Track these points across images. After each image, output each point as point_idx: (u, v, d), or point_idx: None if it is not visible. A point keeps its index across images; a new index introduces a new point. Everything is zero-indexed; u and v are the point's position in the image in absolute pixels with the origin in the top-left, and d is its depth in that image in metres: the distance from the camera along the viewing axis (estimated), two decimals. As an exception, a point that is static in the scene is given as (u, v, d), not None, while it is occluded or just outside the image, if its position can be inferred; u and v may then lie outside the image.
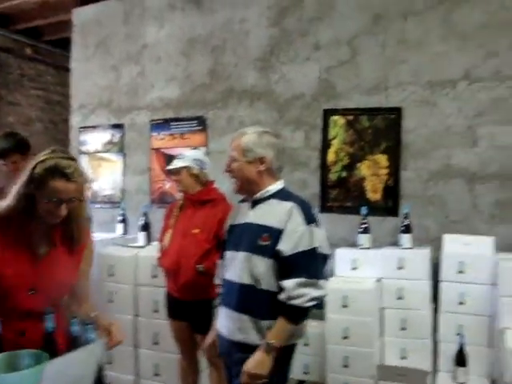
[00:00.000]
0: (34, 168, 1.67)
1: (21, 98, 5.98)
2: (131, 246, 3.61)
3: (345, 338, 2.94)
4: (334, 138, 3.49)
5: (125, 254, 3.47)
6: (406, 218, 3.12)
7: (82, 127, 4.53)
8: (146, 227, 3.68)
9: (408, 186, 3.30)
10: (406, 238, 3.09)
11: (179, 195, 2.99)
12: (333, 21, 3.50)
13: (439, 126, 3.22)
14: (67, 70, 4.77)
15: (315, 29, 3.55)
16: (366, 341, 2.93)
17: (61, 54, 5.97)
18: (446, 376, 2.87)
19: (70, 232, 1.79)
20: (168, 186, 4.04)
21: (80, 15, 4.55)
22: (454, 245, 2.96)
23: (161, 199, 4.10)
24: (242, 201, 2.17)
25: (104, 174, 4.41)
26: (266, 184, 2.04)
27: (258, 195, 2.05)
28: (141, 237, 3.67)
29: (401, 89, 3.31)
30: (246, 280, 1.97)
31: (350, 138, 3.44)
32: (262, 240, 1.95)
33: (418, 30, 3.28)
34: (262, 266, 1.95)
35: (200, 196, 2.85)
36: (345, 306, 2.94)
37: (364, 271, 3.09)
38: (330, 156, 3.49)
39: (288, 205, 1.97)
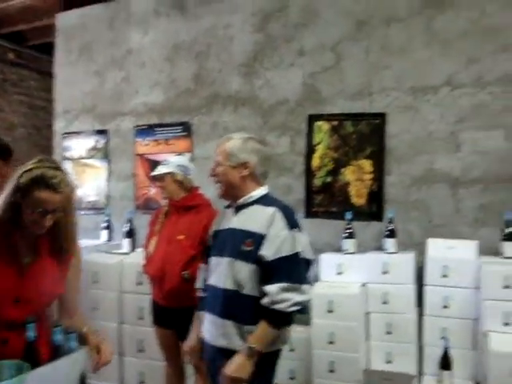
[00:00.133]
0: (20, 177, 1.65)
1: (3, 103, 5.92)
2: (116, 253, 3.58)
3: (330, 342, 2.95)
4: (318, 144, 3.51)
5: (109, 261, 3.44)
6: (390, 222, 3.15)
7: (65, 133, 4.50)
8: (130, 234, 3.65)
9: (392, 191, 3.32)
10: (390, 243, 3.11)
11: (164, 201, 2.98)
12: (317, 27, 3.52)
13: (422, 132, 3.26)
14: (51, 75, 4.73)
15: (299, 35, 3.57)
16: (352, 345, 2.94)
17: (44, 58, 5.92)
18: (431, 379, 2.88)
19: (57, 242, 1.77)
20: (153, 192, 4.02)
21: (64, 20, 4.52)
22: (438, 249, 2.98)
23: (145, 205, 4.07)
24: (228, 206, 2.17)
25: (88, 180, 4.38)
26: (250, 189, 2.06)
27: (242, 200, 2.07)
28: (125, 243, 3.64)
29: (384, 94, 3.34)
30: (230, 285, 1.98)
31: (334, 144, 3.46)
32: (245, 245, 1.96)
33: (401, 36, 3.31)
34: (245, 272, 1.96)
35: (184, 202, 2.84)
36: (330, 311, 2.95)
37: (349, 276, 3.10)
38: (315, 161, 3.51)
39: (271, 210, 1.98)
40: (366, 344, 3.03)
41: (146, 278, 2.99)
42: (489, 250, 2.99)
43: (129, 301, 3.34)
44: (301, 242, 1.97)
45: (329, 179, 3.47)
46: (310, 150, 3.52)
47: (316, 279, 3.15)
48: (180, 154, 3.72)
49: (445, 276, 2.90)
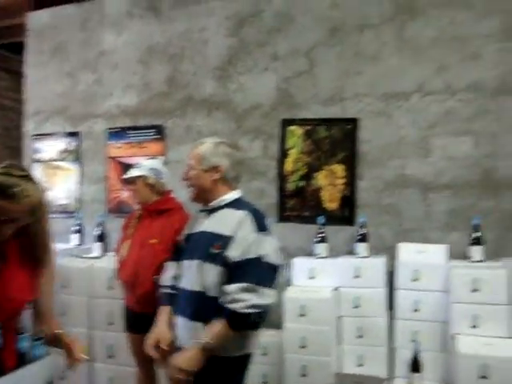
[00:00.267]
0: None
1: (-29, 103, 5.78)
2: (86, 257, 3.53)
3: (302, 347, 2.95)
4: (291, 148, 3.52)
5: (79, 265, 3.39)
6: (362, 227, 3.18)
7: (36, 134, 4.41)
8: (101, 237, 3.60)
9: (364, 196, 3.36)
10: (362, 247, 3.14)
11: (136, 205, 2.95)
12: (291, 32, 3.54)
13: (394, 137, 3.30)
14: (20, 74, 4.63)
15: (273, 39, 3.59)
16: (324, 349, 2.95)
17: (14, 58, 5.79)
18: (402, 382, 2.91)
19: (26, 249, 1.74)
20: (125, 195, 3.97)
21: (35, 19, 4.44)
22: (409, 253, 3.03)
23: (118, 209, 4.02)
24: (201, 210, 2.18)
25: (59, 182, 4.30)
26: (221, 193, 2.09)
27: (213, 204, 2.09)
28: (96, 247, 3.59)
29: (357, 100, 3.38)
30: (197, 287, 1.99)
31: (307, 148, 3.48)
32: (214, 248, 1.97)
33: (374, 43, 3.36)
34: (213, 274, 1.96)
35: (157, 206, 2.82)
36: (302, 315, 2.96)
37: (321, 280, 3.12)
38: (288, 166, 3.52)
39: (241, 213, 2.00)
40: (337, 348, 3.05)
41: (117, 282, 2.95)
42: (458, 254, 3.05)
43: (99, 306, 3.30)
44: (267, 246, 1.97)
45: (301, 184, 3.49)
46: (283, 155, 3.53)
47: (288, 283, 3.16)
48: (153, 157, 3.69)
49: (415, 280, 2.94)
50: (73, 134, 4.24)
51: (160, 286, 2.23)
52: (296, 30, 3.53)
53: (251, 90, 3.63)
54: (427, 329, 2.91)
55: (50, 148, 4.35)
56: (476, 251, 2.96)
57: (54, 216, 4.19)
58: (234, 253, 1.94)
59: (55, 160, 4.33)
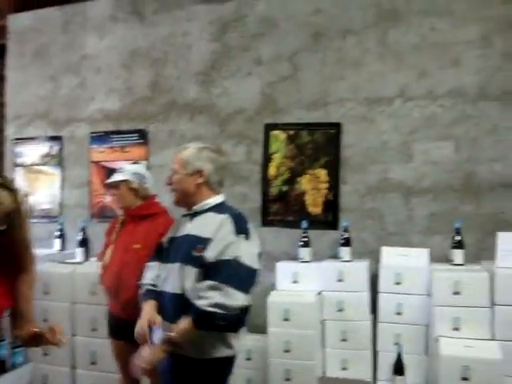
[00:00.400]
0: None
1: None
2: (68, 263, 3.49)
3: (286, 351, 2.96)
4: (275, 153, 3.53)
5: (61, 271, 3.36)
6: (345, 231, 3.20)
7: (17, 138, 4.36)
8: (84, 243, 3.57)
9: (347, 200, 3.38)
10: (345, 251, 3.16)
11: (119, 210, 2.93)
12: (274, 37, 3.56)
13: (376, 142, 3.34)
14: (1, 78, 4.58)
15: (257, 44, 3.60)
16: (308, 353, 2.96)
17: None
18: (385, 385, 2.94)
19: (5, 255, 1.72)
20: (108, 199, 3.93)
21: (16, 22, 4.39)
22: (391, 257, 3.05)
23: (101, 214, 3.99)
24: (185, 215, 2.19)
25: (41, 187, 4.26)
26: (205, 197, 2.11)
27: (197, 207, 2.11)
28: (79, 253, 3.55)
29: (340, 105, 3.40)
30: (177, 290, 2.01)
31: (290, 153, 3.50)
32: (196, 251, 1.99)
33: (357, 48, 3.39)
34: (191, 276, 1.98)
35: (140, 211, 2.80)
36: (286, 320, 2.97)
37: (305, 284, 3.13)
38: (271, 170, 3.54)
39: (222, 217, 2.02)
40: (321, 351, 3.06)
41: (100, 287, 2.93)
42: (439, 258, 3.08)
43: (81, 312, 3.26)
44: (246, 249, 1.98)
45: (285, 188, 3.50)
46: (267, 159, 3.54)
47: (272, 288, 3.16)
48: (136, 161, 3.67)
49: (398, 283, 2.97)
50: (55, 138, 4.21)
51: (141, 284, 2.22)
52: (279, 35, 3.55)
53: (235, 94, 3.64)
54: (410, 332, 2.94)
55: (31, 152, 4.30)
56: (457, 254, 3.00)
57: (36, 221, 4.15)
58: (210, 253, 1.96)
59: (37, 164, 4.28)
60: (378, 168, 3.33)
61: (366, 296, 3.03)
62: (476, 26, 3.17)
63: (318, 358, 3.01)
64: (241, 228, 2.00)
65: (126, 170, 2.85)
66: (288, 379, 2.96)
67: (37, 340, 1.72)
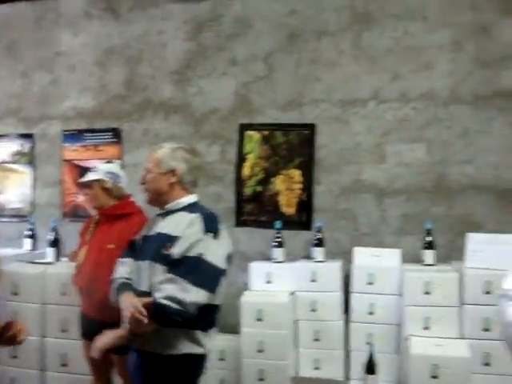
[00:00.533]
0: None
1: None
2: (39, 263, 3.43)
3: (259, 351, 2.97)
4: (249, 153, 3.54)
5: (31, 271, 3.29)
6: (318, 231, 3.21)
7: (-14, 136, 4.27)
8: (55, 242, 3.51)
9: (321, 201, 3.40)
10: (318, 252, 3.17)
11: (92, 210, 2.89)
12: (249, 37, 3.56)
13: (350, 143, 3.37)
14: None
15: (232, 44, 3.59)
16: (281, 353, 2.97)
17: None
18: (357, 384, 2.96)
19: None
20: (81, 199, 3.89)
21: (-15, 16, 4.30)
22: (364, 257, 3.08)
23: (73, 213, 3.93)
24: (159, 214, 2.19)
25: (12, 186, 4.17)
26: (177, 196, 2.13)
27: (169, 206, 2.12)
28: (50, 253, 3.49)
29: (314, 106, 3.43)
30: (144, 287, 2.01)
31: (265, 153, 3.50)
32: (165, 249, 1.99)
33: (331, 50, 3.42)
34: (159, 274, 1.97)
35: (115, 210, 2.77)
36: (259, 320, 2.97)
37: (278, 285, 3.13)
38: (246, 170, 3.54)
39: (193, 216, 2.03)
40: (294, 351, 3.07)
41: (72, 288, 2.88)
42: (411, 258, 3.12)
43: (52, 313, 3.20)
44: (213, 248, 1.98)
45: (259, 188, 3.50)
46: (241, 159, 3.54)
47: (245, 288, 3.16)
48: (110, 160, 3.62)
49: (370, 283, 3.00)
50: (26, 136, 4.12)
51: (114, 279, 2.20)
52: (255, 36, 3.55)
53: (209, 94, 3.63)
54: (382, 331, 2.98)
55: (2, 150, 4.21)
56: (428, 255, 3.05)
57: (7, 220, 4.08)
58: (176, 250, 1.97)
59: (8, 162, 4.19)
60: (352, 169, 3.36)
61: (338, 296, 3.05)
62: (448, 31, 3.23)
63: (290, 357, 3.02)
64: (210, 227, 2.00)
65: (100, 169, 2.82)
66: (261, 379, 2.96)
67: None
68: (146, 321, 1.88)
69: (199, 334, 2.01)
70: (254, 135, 3.53)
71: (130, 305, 1.95)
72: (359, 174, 3.35)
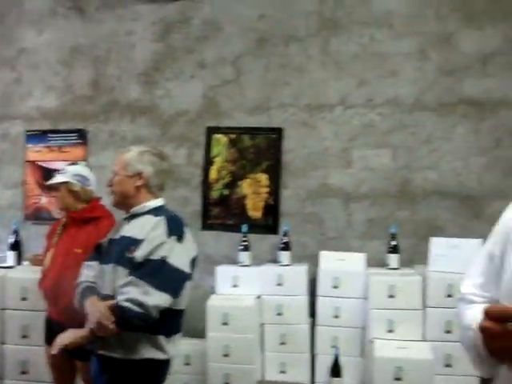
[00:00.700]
0: None
1: None
2: (-2, 267, 3.33)
3: (225, 355, 2.95)
4: (216, 156, 3.53)
5: (-10, 276, 3.20)
6: (285, 235, 3.23)
7: None
8: (16, 246, 3.41)
9: (287, 205, 3.42)
10: (284, 255, 3.18)
11: (58, 212, 2.83)
12: (218, 40, 3.56)
13: (317, 148, 3.40)
14: None
15: (201, 47, 3.58)
16: (247, 357, 2.97)
17: None
18: (322, 387, 2.98)
19: None
20: (44, 201, 3.80)
21: None
22: (330, 261, 3.11)
23: (36, 215, 3.84)
24: (125, 218, 2.17)
25: (-29, 187, 4.05)
26: (143, 200, 2.11)
27: (135, 210, 2.10)
28: (10, 256, 3.39)
29: (282, 110, 3.44)
30: (108, 291, 1.99)
31: (232, 157, 3.50)
32: (129, 252, 1.97)
33: (300, 55, 3.44)
34: (123, 277, 1.95)
35: (83, 214, 2.72)
36: (225, 324, 2.96)
37: (244, 288, 3.12)
38: (212, 174, 3.52)
39: (157, 219, 2.01)
40: (260, 355, 3.07)
41: (35, 292, 2.80)
42: (376, 262, 3.17)
43: (12, 318, 3.11)
44: (177, 252, 1.97)
45: (226, 192, 3.50)
46: (208, 163, 3.53)
47: (212, 292, 3.15)
48: (74, 162, 3.55)
49: (336, 287, 3.02)
50: (-13, 136, 4.01)
51: (79, 282, 2.16)
52: (223, 39, 3.55)
53: (177, 96, 3.60)
54: (347, 334, 3.00)
55: (-39, 150, 4.08)
56: (393, 259, 3.09)
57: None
58: (139, 253, 1.95)
59: (-33, 163, 4.07)
60: (319, 173, 3.38)
61: (304, 300, 3.06)
62: (414, 40, 3.30)
63: (257, 361, 3.01)
64: (174, 230, 1.99)
65: (68, 171, 2.76)
66: (227, 383, 2.95)
67: None
68: (111, 326, 1.86)
69: (162, 340, 1.99)
70: (222, 138, 3.52)
71: (95, 309, 1.93)
72: (326, 179, 3.38)
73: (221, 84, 3.54)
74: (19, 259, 3.40)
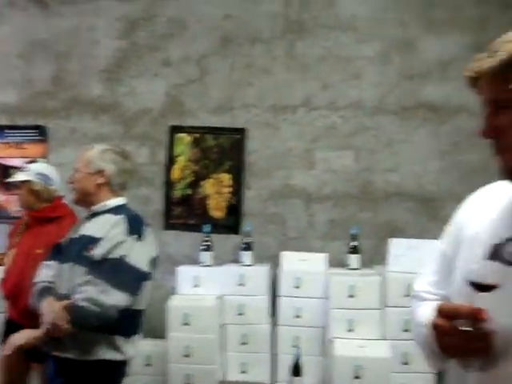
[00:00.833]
0: None
1: None
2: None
3: (186, 356, 2.94)
4: (179, 156, 3.50)
5: None
6: (247, 235, 3.23)
7: None
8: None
9: (250, 205, 3.42)
10: (246, 256, 3.18)
11: (17, 210, 2.77)
12: (183, 39, 3.53)
13: (280, 148, 3.42)
14: None
15: (165, 45, 3.54)
16: (208, 358, 2.96)
17: None
18: (283, 387, 3.00)
19: None
20: (1, 198, 3.69)
21: None
22: (291, 261, 3.12)
23: (-9, 214, 3.73)
24: (87, 217, 2.16)
25: None
26: (104, 198, 2.10)
27: (95, 208, 2.10)
28: (-36, 256, 3.28)
29: (246, 111, 3.45)
30: (65, 290, 1.97)
31: (195, 156, 3.48)
32: (87, 251, 1.96)
33: (265, 56, 3.45)
34: (79, 276, 1.94)
35: (45, 213, 2.68)
36: (186, 324, 2.94)
37: (206, 288, 3.11)
38: (175, 173, 3.50)
39: (117, 217, 2.01)
40: (222, 355, 3.06)
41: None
42: (337, 263, 3.20)
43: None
44: (136, 250, 1.96)
45: (188, 191, 3.47)
46: (171, 162, 3.50)
47: (173, 292, 3.12)
48: (34, 159, 3.47)
49: (297, 287, 3.04)
50: None
51: (36, 283, 2.12)
52: (188, 38, 3.52)
53: (140, 94, 3.55)
54: (308, 334, 3.03)
55: None
56: (353, 259, 3.13)
57: None
58: (98, 251, 1.94)
59: None
60: (281, 174, 3.40)
61: (266, 300, 3.07)
62: (376, 44, 3.36)
63: (218, 361, 3.01)
64: (134, 229, 1.98)
65: (31, 169, 2.70)
66: (188, 384, 2.94)
67: None
68: (66, 326, 1.84)
69: (120, 340, 1.97)
70: (185, 138, 3.50)
71: (50, 310, 1.90)
72: (288, 179, 3.40)
73: (185, 83, 3.51)
74: (-27, 259, 3.30)
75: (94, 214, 2.09)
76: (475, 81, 0.97)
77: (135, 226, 2.00)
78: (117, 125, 3.57)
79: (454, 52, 3.25)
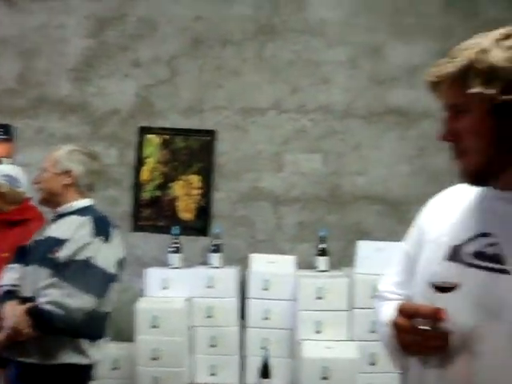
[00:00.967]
0: None
1: None
2: None
3: (154, 358, 2.91)
4: (148, 157, 3.48)
5: None
6: (216, 237, 3.22)
7: None
8: None
9: (219, 207, 3.42)
10: (215, 258, 3.17)
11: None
12: (154, 39, 3.50)
13: (250, 151, 3.43)
14: None
15: (135, 45, 3.51)
16: (177, 360, 2.95)
17: None
18: (252, 389, 3.00)
19: None
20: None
21: None
22: (260, 264, 3.14)
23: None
24: (53, 219, 2.13)
25: None
26: (71, 199, 2.08)
27: (61, 209, 2.07)
28: None
29: (216, 112, 3.44)
30: (29, 293, 1.93)
31: (164, 158, 3.46)
32: (52, 253, 1.94)
33: (235, 58, 3.46)
34: (46, 279, 1.91)
35: (12, 216, 2.63)
36: (154, 327, 2.92)
37: (174, 291, 3.09)
38: (144, 174, 3.47)
39: (83, 219, 1.99)
40: (190, 358, 3.05)
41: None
42: (306, 265, 3.22)
43: None
44: (103, 252, 1.95)
45: (157, 193, 3.45)
46: (140, 163, 3.47)
47: (141, 294, 3.10)
48: (-1, 159, 3.41)
49: (266, 289, 3.05)
50: None
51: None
52: (159, 38, 3.50)
53: (109, 95, 3.51)
54: (276, 336, 3.04)
55: None
56: (322, 261, 3.16)
57: None
58: (63, 253, 1.91)
59: None
60: (250, 176, 3.42)
61: (234, 302, 3.08)
62: (345, 49, 3.41)
63: (186, 364, 2.99)
64: (100, 230, 1.97)
65: None
66: (156, 387, 2.91)
67: None
68: (27, 331, 1.81)
69: (85, 344, 1.94)
70: (154, 139, 3.47)
71: (12, 314, 1.87)
72: (257, 182, 3.41)
73: (155, 84, 3.49)
74: None
75: (60, 216, 2.06)
76: (436, 85, 1.00)
77: (102, 228, 1.98)
78: (85, 125, 3.52)
79: (421, 58, 3.31)
